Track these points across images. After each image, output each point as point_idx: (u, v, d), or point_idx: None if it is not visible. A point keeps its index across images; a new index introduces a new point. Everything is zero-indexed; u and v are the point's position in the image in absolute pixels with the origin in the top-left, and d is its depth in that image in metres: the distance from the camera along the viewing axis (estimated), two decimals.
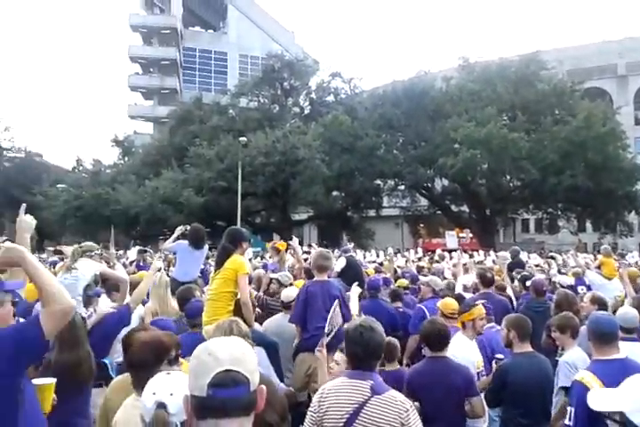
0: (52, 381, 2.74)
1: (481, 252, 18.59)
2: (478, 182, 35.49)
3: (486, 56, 37.56)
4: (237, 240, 4.99)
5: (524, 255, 13.79)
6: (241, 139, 31.95)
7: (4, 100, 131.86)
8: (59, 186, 41.30)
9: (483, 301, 5.12)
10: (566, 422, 3.14)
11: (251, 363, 1.49)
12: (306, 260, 8.00)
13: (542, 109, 33.92)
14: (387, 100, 37.34)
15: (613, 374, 3.18)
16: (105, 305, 4.55)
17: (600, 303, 5.23)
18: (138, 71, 66.84)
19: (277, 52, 43.75)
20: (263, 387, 1.49)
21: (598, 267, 9.65)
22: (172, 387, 1.84)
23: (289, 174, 33.53)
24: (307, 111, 43.70)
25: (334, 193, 38.99)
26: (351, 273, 7.56)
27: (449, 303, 5.10)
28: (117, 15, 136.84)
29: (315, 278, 5.29)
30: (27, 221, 3.27)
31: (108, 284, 4.90)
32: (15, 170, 52.38)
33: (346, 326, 3.03)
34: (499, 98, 33.94)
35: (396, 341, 4.78)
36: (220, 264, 4.88)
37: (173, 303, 5.34)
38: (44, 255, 16.87)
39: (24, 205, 3.42)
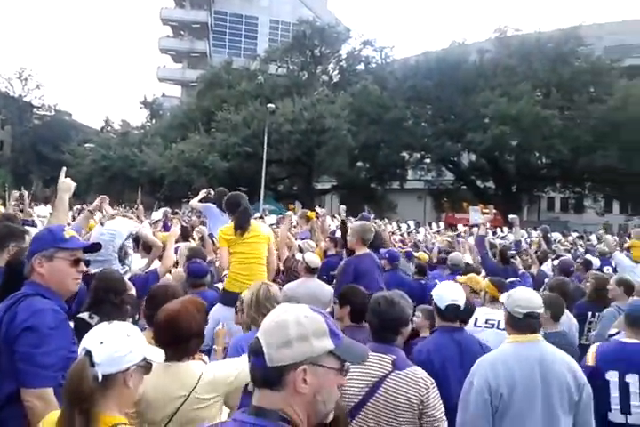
0: None
1: (505, 228, 18.48)
2: (507, 159, 35.00)
3: (524, 28, 36.32)
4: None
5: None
6: (269, 105, 31.78)
7: (35, 58, 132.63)
8: (87, 145, 41.76)
9: (514, 279, 5.14)
10: None
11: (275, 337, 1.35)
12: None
13: (577, 87, 33.02)
14: (418, 71, 36.54)
15: (609, 353, 3.42)
16: (137, 265, 4.65)
17: (627, 286, 5.18)
18: (169, 34, 66.38)
19: (309, 18, 42.96)
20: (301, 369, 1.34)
21: (628, 249, 9.54)
22: (106, 336, 1.76)
23: (314, 143, 33.36)
24: (336, 80, 43.08)
25: (359, 164, 38.79)
26: (376, 242, 7.56)
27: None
28: None
29: (360, 251, 5.28)
30: (67, 183, 3.38)
31: (144, 245, 4.98)
32: (44, 128, 53.03)
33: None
34: (534, 74, 33.06)
35: None
36: (244, 228, 4.81)
37: None
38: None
39: (64, 168, 3.51)
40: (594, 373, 3.36)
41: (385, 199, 40.72)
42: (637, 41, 50.30)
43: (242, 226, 4.80)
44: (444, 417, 2.68)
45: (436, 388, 2.69)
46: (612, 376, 3.33)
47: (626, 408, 3.30)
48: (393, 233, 14.98)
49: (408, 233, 15.50)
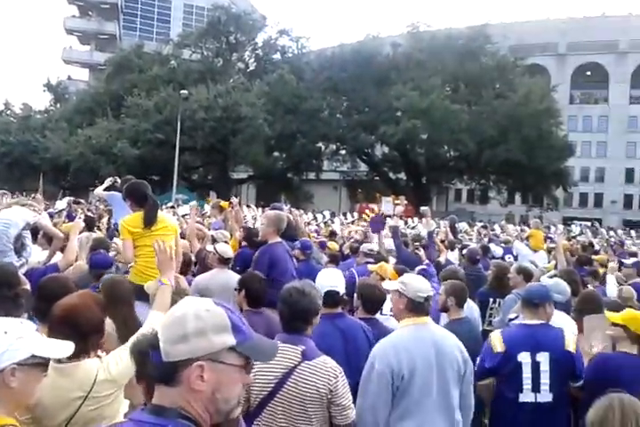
0: None
1: (415, 218, 19.03)
2: (417, 151, 36.14)
3: (435, 24, 37.79)
4: None
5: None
6: (182, 91, 30.95)
7: None
8: None
9: (422, 266, 5.28)
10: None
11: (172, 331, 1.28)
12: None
13: (484, 83, 34.61)
14: (334, 62, 36.91)
15: (517, 336, 3.59)
16: (36, 258, 4.37)
17: (526, 274, 5.45)
18: (75, 14, 62.88)
19: (224, 4, 42.21)
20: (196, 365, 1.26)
21: (527, 238, 10.10)
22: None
23: (230, 131, 32.95)
24: (251, 68, 42.63)
25: (275, 154, 38.73)
26: (289, 231, 7.57)
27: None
28: None
29: (273, 240, 5.24)
30: None
31: (45, 236, 4.68)
32: None
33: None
34: (444, 69, 34.27)
35: None
36: (153, 222, 4.48)
37: None
38: None
39: None
40: (505, 358, 3.50)
41: (301, 189, 40.97)
42: (539, 41, 53.53)
43: (151, 220, 4.46)
44: (352, 405, 2.72)
45: (344, 377, 2.71)
46: (525, 358, 3.47)
47: (536, 387, 3.47)
48: (309, 223, 15.09)
49: (324, 223, 15.64)
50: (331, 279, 3.50)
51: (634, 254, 9.65)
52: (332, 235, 10.49)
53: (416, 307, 3.10)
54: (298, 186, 40.93)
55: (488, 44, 36.07)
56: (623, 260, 8.52)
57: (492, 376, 3.55)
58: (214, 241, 5.94)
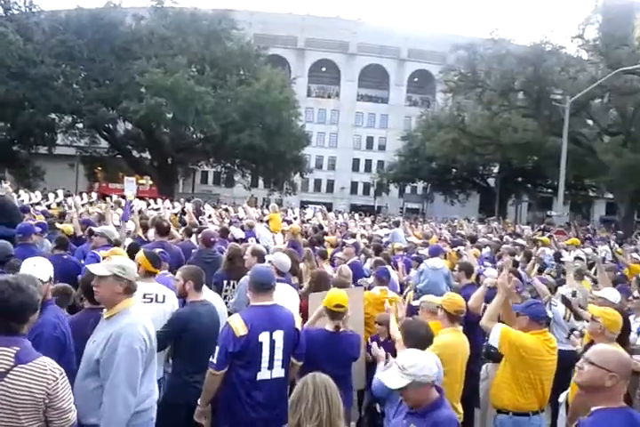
0: None
1: (159, 200, 18.67)
2: (162, 130, 35.21)
3: (181, 2, 36.46)
4: None
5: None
6: None
7: None
8: None
9: (159, 249, 5.14)
10: (211, 358, 3.62)
11: None
12: None
13: (229, 68, 35.14)
14: (69, 26, 33.51)
15: (257, 317, 3.73)
16: None
17: (259, 256, 5.70)
18: None
19: None
20: None
21: (267, 222, 10.60)
22: None
23: None
24: None
25: None
26: (5, 214, 6.80)
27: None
28: None
29: None
30: None
31: None
32: None
33: None
34: (189, 48, 33.76)
35: None
36: None
37: None
38: None
39: None
40: (248, 340, 3.61)
41: (30, 165, 36.94)
42: (281, 33, 56.49)
43: None
44: (73, 407, 2.53)
45: (65, 378, 2.50)
46: (265, 337, 3.65)
47: (271, 364, 3.67)
48: (38, 204, 13.65)
49: (57, 204, 14.32)
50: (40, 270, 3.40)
51: (354, 236, 10.86)
52: (63, 217, 9.65)
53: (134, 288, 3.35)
54: (26, 160, 36.65)
55: (234, 30, 36.53)
56: (345, 240, 9.52)
57: (234, 360, 3.61)
58: None
